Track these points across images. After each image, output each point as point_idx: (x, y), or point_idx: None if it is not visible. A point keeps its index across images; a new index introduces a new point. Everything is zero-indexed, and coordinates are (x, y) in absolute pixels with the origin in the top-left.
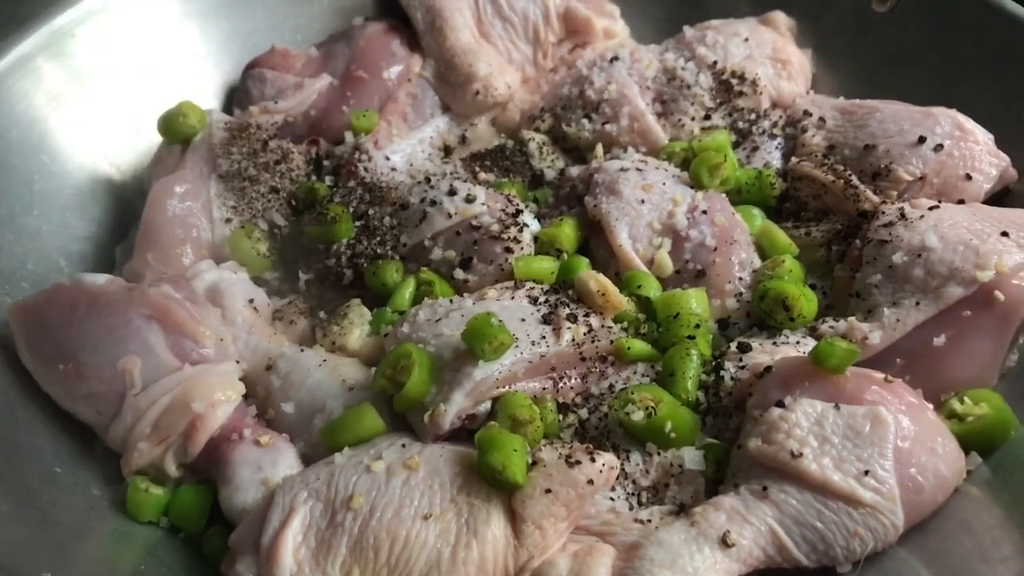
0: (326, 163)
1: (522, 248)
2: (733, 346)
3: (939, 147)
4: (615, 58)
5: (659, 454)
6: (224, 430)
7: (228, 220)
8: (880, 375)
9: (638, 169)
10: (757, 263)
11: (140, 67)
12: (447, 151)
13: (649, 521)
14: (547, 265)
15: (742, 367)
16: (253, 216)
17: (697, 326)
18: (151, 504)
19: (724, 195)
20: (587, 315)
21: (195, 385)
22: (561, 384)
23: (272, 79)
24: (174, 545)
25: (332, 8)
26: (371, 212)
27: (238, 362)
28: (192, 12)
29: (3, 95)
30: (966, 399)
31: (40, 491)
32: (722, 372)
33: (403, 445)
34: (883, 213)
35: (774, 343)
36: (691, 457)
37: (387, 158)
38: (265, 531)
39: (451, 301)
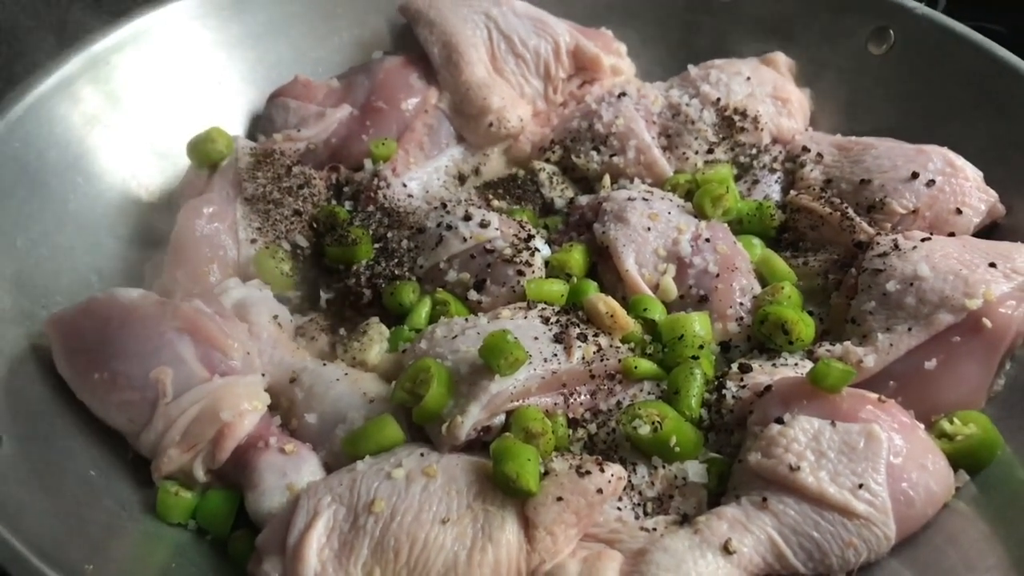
0: (346, 189)
1: (533, 271)
2: (734, 367)
3: (931, 182)
4: (623, 94)
5: (664, 467)
6: (250, 438)
7: (253, 241)
8: (874, 395)
9: (644, 199)
10: (757, 289)
11: (171, 93)
12: (461, 179)
13: (654, 529)
14: (557, 288)
15: (743, 386)
16: (277, 237)
17: (700, 347)
18: (180, 507)
19: (726, 225)
20: (596, 335)
21: (223, 395)
22: (571, 400)
23: (295, 108)
24: (202, 546)
25: (353, 42)
26: (389, 235)
27: (263, 375)
28: (220, 42)
29: (43, 116)
30: (955, 420)
31: (77, 492)
32: (724, 391)
33: (422, 454)
34: (877, 244)
35: (773, 364)
36: (695, 470)
37: (404, 185)
38: (291, 533)
39: (467, 320)
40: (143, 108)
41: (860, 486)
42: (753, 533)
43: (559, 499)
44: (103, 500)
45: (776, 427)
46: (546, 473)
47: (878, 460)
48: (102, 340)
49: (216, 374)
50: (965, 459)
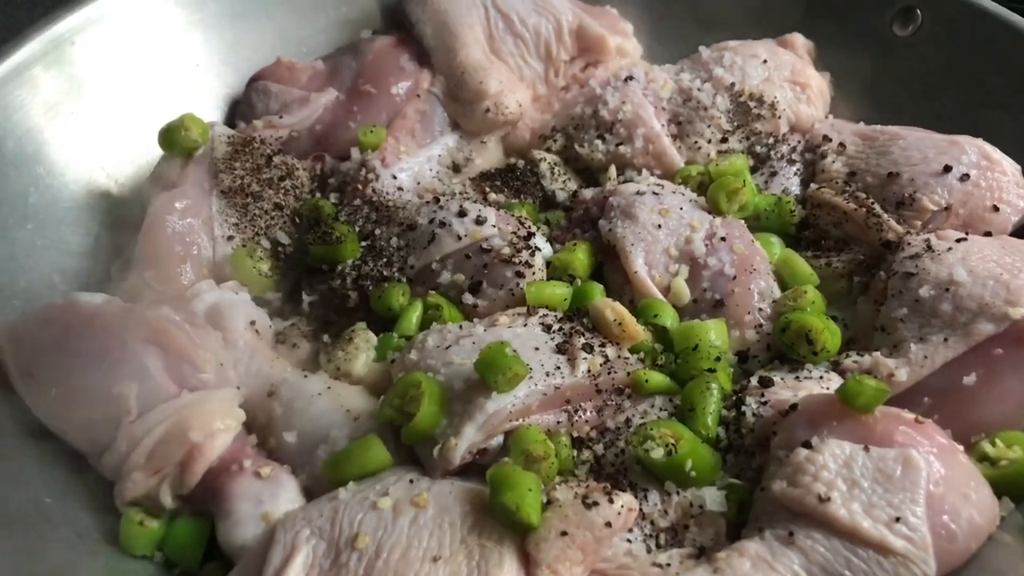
0: (331, 180)
1: (534, 273)
2: (754, 380)
3: (965, 177)
4: (630, 77)
5: (678, 494)
6: (223, 460)
7: (230, 238)
8: (910, 415)
9: (654, 193)
10: (777, 293)
11: (141, 77)
12: (456, 169)
13: (668, 565)
14: (560, 291)
15: (764, 403)
16: (256, 234)
17: (717, 359)
18: (145, 537)
19: (742, 222)
20: (603, 345)
21: (193, 413)
22: (576, 417)
23: (277, 92)
24: None
25: (339, 21)
26: (378, 232)
27: (238, 388)
28: (196, 22)
29: None
30: (998, 441)
31: (28, 522)
32: (743, 408)
33: (411, 481)
34: (908, 244)
35: (796, 378)
36: (712, 498)
37: (394, 176)
38: (265, 571)
39: (461, 327)
40: (110, 94)
41: (897, 519)
42: (778, 572)
43: (563, 533)
44: (58, 531)
45: (803, 452)
46: (548, 503)
47: (917, 490)
48: (60, 351)
49: (185, 389)
50: (1010, 485)
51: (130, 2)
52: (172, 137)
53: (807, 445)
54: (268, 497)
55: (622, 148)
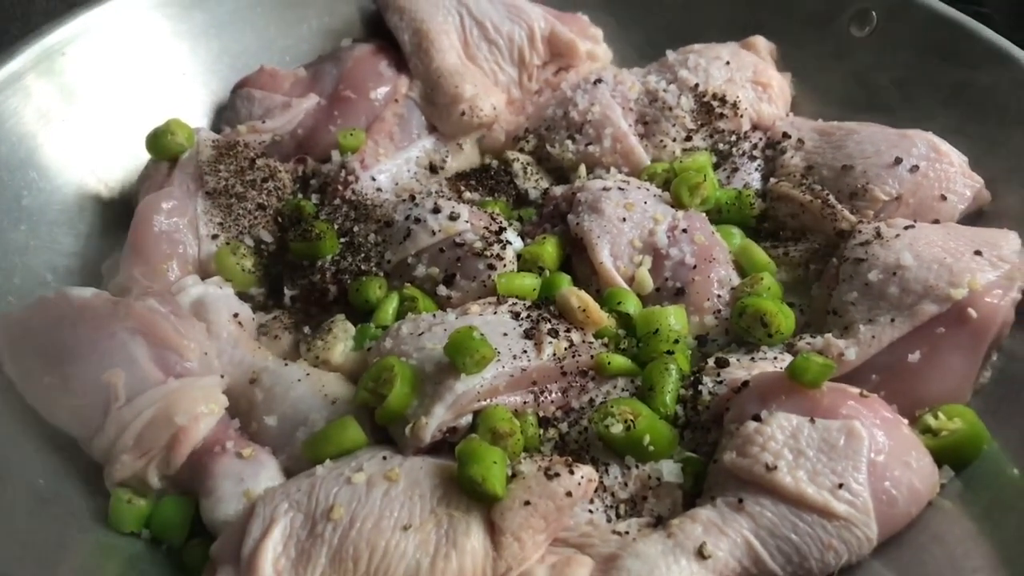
0: (313, 182)
1: (505, 265)
2: (711, 361)
3: (915, 168)
4: (598, 80)
5: (638, 467)
6: (207, 443)
7: (214, 236)
8: (856, 390)
9: (620, 188)
10: (736, 281)
11: (129, 85)
12: (433, 170)
13: (627, 533)
14: (529, 282)
15: (720, 382)
16: (239, 233)
17: (676, 341)
18: (133, 515)
19: (704, 215)
20: (568, 330)
21: (178, 398)
22: (542, 398)
23: (260, 98)
24: (156, 556)
25: (321, 30)
26: (356, 229)
27: (222, 376)
28: (182, 32)
29: None
30: (940, 414)
31: (23, 502)
32: (700, 387)
33: (384, 457)
34: (859, 232)
35: (752, 359)
36: (669, 470)
37: (373, 178)
38: (245, 542)
39: (434, 316)
40: (100, 101)
41: (840, 486)
42: (729, 536)
43: (527, 503)
44: (52, 510)
45: (752, 425)
46: (513, 476)
47: (859, 458)
48: (52, 342)
49: (171, 376)
50: (950, 455)
51: (118, 14)
52: (159, 141)
53: (757, 418)
54: (249, 476)
55: (591, 148)
